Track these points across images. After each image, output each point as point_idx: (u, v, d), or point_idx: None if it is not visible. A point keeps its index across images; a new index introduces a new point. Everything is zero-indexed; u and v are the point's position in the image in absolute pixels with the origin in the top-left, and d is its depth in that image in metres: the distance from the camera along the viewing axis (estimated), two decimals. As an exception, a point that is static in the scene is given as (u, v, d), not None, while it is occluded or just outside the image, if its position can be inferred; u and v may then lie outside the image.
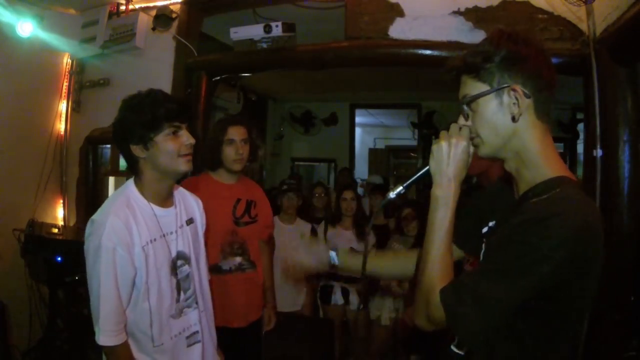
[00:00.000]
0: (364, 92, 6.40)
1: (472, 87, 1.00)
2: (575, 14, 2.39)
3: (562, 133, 6.03)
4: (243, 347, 2.27)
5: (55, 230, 3.35)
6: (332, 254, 1.36)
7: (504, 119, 0.97)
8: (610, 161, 2.20)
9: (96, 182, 3.64)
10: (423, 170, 1.06)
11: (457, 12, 2.60)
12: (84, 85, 3.60)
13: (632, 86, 2.17)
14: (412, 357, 3.47)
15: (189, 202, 1.68)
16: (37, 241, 3.09)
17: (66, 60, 3.62)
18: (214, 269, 2.18)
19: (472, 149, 1.02)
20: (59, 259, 2.89)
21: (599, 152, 2.22)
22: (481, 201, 1.14)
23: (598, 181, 2.22)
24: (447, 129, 1.03)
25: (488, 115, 0.98)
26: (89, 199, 3.56)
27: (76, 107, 3.62)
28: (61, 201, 3.61)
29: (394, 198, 1.09)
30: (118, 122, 1.45)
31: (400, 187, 1.09)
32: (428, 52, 2.59)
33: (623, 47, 2.13)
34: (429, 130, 6.58)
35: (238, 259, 2.26)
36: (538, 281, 0.85)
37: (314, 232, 3.45)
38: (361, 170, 7.88)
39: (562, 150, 6.42)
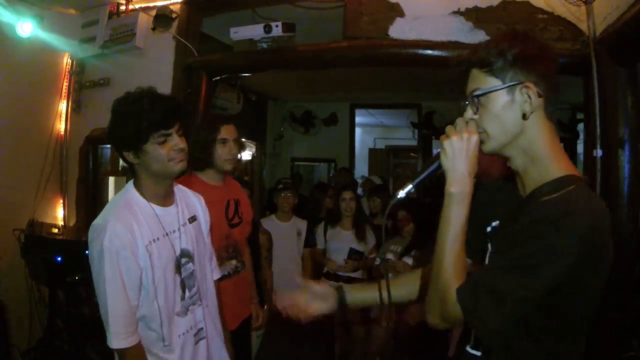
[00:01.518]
0: (364, 92, 6.39)
1: (484, 81, 0.98)
2: (575, 14, 2.39)
3: (562, 133, 6.03)
4: (237, 348, 2.27)
5: (55, 230, 3.36)
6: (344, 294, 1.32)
7: (513, 115, 0.96)
8: (610, 161, 2.20)
9: (96, 182, 3.64)
10: (433, 167, 1.02)
11: (457, 12, 2.60)
12: (84, 85, 3.60)
13: (632, 86, 2.17)
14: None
15: (190, 200, 1.68)
16: (37, 241, 3.10)
17: (66, 60, 3.62)
18: None
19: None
20: (59, 259, 2.89)
21: (599, 152, 2.22)
22: (481, 201, 1.11)
23: (598, 181, 2.22)
24: (453, 124, 1.01)
25: (498, 110, 0.97)
26: (89, 199, 3.56)
27: (76, 107, 3.62)
28: (61, 201, 3.61)
29: (404, 197, 1.05)
30: (110, 128, 1.46)
31: (410, 186, 1.05)
32: (428, 52, 2.59)
33: (623, 47, 2.13)
34: (429, 130, 6.58)
35: (233, 262, 2.22)
36: (553, 279, 0.86)
37: (309, 229, 3.46)
38: (361, 170, 7.88)
39: (562, 150, 6.42)
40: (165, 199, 1.54)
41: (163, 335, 1.45)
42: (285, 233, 3.40)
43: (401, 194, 1.05)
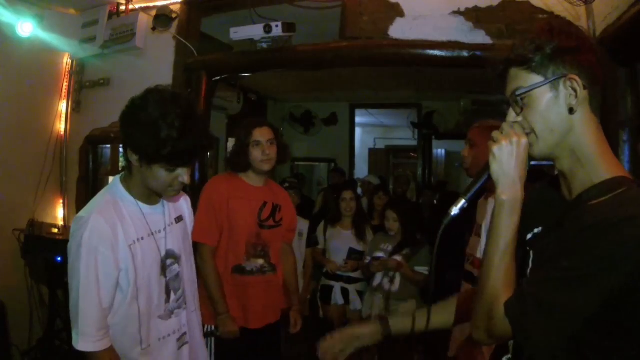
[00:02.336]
0: (364, 92, 6.40)
1: (525, 79, 0.93)
2: (575, 14, 2.39)
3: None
4: (261, 349, 2.29)
5: (55, 230, 3.35)
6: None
7: (560, 112, 0.91)
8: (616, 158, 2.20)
9: (96, 182, 3.64)
10: (484, 177, 0.97)
11: (457, 12, 2.59)
12: (84, 85, 3.60)
13: (632, 86, 2.17)
14: (415, 357, 3.48)
15: (177, 199, 1.64)
16: (37, 241, 3.10)
17: (66, 60, 3.61)
18: (237, 270, 2.22)
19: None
20: (59, 259, 2.89)
21: (599, 152, 2.22)
22: (531, 211, 1.03)
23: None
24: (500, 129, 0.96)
25: (543, 108, 0.92)
26: (89, 199, 3.53)
27: (76, 107, 3.61)
28: (61, 201, 3.61)
29: (456, 215, 0.99)
30: (124, 124, 1.36)
31: (463, 201, 0.98)
32: (428, 52, 2.59)
33: (623, 47, 2.13)
34: (429, 130, 6.58)
35: (260, 261, 2.26)
36: (608, 290, 0.80)
37: (311, 229, 3.46)
38: (361, 170, 7.88)
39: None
40: (152, 197, 1.50)
41: (141, 338, 1.39)
42: None
43: (455, 210, 0.98)
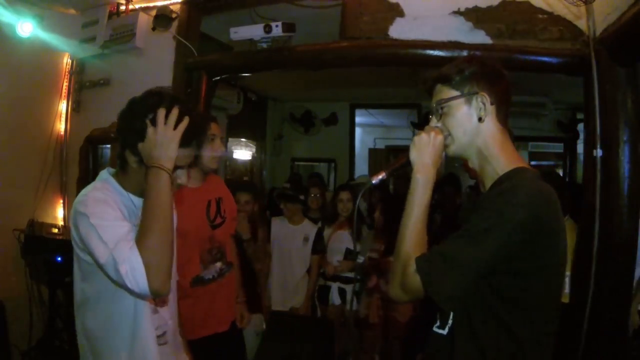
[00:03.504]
0: (364, 92, 6.39)
1: (446, 93, 1.17)
2: (575, 14, 2.39)
3: (562, 133, 6.02)
4: (230, 351, 2.23)
5: (55, 230, 3.36)
6: None
7: (471, 119, 1.15)
8: (610, 161, 2.19)
9: (96, 182, 3.64)
10: (405, 160, 1.19)
11: (457, 12, 2.59)
12: (84, 85, 3.60)
13: (632, 86, 2.17)
14: (417, 356, 3.47)
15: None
16: (37, 241, 3.10)
17: (66, 60, 3.62)
18: (197, 281, 2.09)
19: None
20: (59, 259, 2.89)
21: (599, 152, 2.22)
22: (461, 217, 1.28)
23: (598, 181, 2.21)
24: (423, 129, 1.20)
25: (458, 116, 1.16)
26: (89, 199, 3.55)
27: (76, 107, 3.62)
28: (61, 201, 3.61)
29: (376, 184, 1.21)
30: (120, 121, 1.39)
31: (383, 174, 1.21)
32: (428, 52, 2.59)
33: (623, 47, 2.13)
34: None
35: (218, 265, 2.16)
36: (503, 242, 0.98)
37: (319, 235, 3.43)
38: (361, 170, 7.87)
39: (562, 151, 6.41)
40: (143, 191, 1.47)
41: (134, 332, 1.36)
42: (291, 236, 3.39)
43: (374, 180, 1.21)
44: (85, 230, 1.25)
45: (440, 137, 1.16)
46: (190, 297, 2.05)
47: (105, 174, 1.45)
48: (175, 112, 1.29)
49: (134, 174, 1.40)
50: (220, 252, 2.18)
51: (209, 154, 2.08)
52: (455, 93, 1.16)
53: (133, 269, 1.15)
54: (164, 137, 1.27)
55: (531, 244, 0.99)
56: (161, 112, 1.28)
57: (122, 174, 1.44)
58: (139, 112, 1.33)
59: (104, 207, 1.28)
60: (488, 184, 1.15)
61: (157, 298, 1.26)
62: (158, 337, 1.45)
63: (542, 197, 1.01)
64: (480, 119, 1.13)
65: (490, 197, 1.05)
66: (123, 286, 1.18)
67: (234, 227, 2.40)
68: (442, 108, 1.18)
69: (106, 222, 1.24)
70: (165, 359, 1.46)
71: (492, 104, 1.14)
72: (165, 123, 1.28)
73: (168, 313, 1.52)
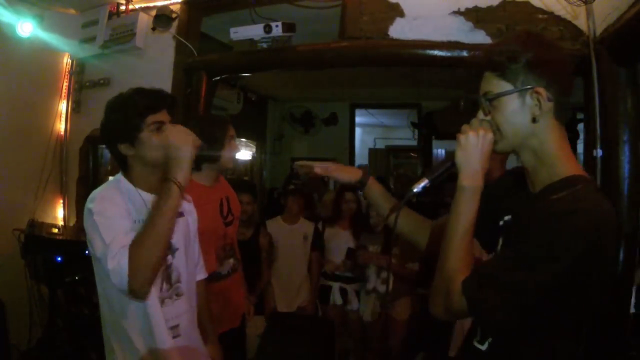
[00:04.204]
0: (364, 92, 6.39)
1: (496, 84, 1.01)
2: (575, 14, 2.39)
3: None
4: (237, 348, 2.30)
5: (55, 230, 3.35)
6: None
7: (524, 118, 0.99)
8: (610, 161, 2.19)
9: (96, 182, 3.64)
10: (449, 163, 1.06)
11: (457, 12, 2.59)
12: (84, 85, 3.59)
13: (632, 86, 2.17)
14: (417, 357, 3.48)
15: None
16: (37, 241, 3.09)
17: (66, 60, 3.61)
18: (215, 277, 2.14)
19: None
20: (59, 259, 2.89)
21: (599, 152, 2.22)
22: (494, 195, 1.14)
23: (598, 181, 2.21)
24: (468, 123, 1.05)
25: (509, 113, 1.00)
26: (89, 199, 3.55)
27: (76, 107, 3.61)
28: (61, 201, 3.61)
29: (419, 192, 1.07)
30: (103, 124, 1.50)
31: (426, 180, 1.07)
32: (428, 52, 2.59)
33: (623, 47, 2.13)
34: (429, 130, 6.58)
35: (231, 261, 2.24)
36: (561, 271, 0.87)
37: (317, 232, 3.45)
38: (361, 170, 7.87)
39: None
40: (154, 184, 1.52)
41: (148, 323, 1.42)
42: (290, 236, 3.39)
43: (417, 188, 1.07)
44: (88, 225, 1.34)
45: (490, 136, 1.01)
46: (209, 295, 2.07)
47: (118, 175, 1.53)
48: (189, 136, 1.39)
49: (138, 168, 1.49)
50: (232, 249, 2.26)
51: (228, 154, 2.16)
52: (505, 86, 1.00)
53: (119, 266, 1.21)
54: (182, 155, 1.34)
55: (589, 275, 0.90)
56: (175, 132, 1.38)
57: (128, 173, 1.51)
58: (133, 111, 1.44)
59: (107, 204, 1.36)
60: (538, 187, 1.02)
61: (135, 298, 1.31)
62: (171, 328, 1.50)
63: (605, 223, 0.89)
64: (534, 119, 0.98)
65: (548, 218, 0.89)
66: (112, 280, 1.24)
67: (237, 225, 2.44)
68: (490, 101, 1.02)
69: (106, 220, 1.31)
70: (180, 351, 1.51)
71: (549, 100, 0.97)
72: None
73: (183, 307, 1.55)
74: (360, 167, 1.56)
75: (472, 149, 1.00)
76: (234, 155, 2.23)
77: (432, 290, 1.01)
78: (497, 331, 0.98)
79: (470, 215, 0.99)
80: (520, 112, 0.99)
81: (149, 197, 1.49)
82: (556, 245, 0.87)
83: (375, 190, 1.42)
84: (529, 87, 0.98)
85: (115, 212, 1.35)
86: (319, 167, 1.41)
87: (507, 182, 1.17)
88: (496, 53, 1.01)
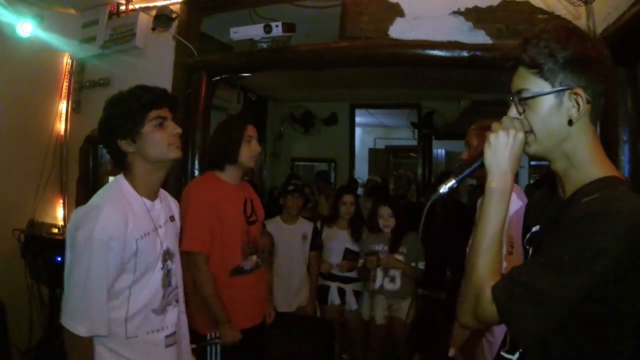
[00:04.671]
0: (364, 92, 6.40)
1: (532, 82, 0.95)
2: (575, 14, 2.39)
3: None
4: (258, 344, 2.32)
5: (55, 230, 3.35)
6: None
7: (560, 120, 0.93)
8: (610, 161, 2.19)
9: (96, 182, 3.64)
10: (477, 163, 1.00)
11: (457, 12, 2.59)
12: (84, 85, 3.59)
13: (632, 86, 2.17)
14: (414, 357, 3.48)
15: (168, 199, 1.66)
16: (37, 241, 3.10)
17: (66, 60, 3.61)
18: (237, 271, 2.19)
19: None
20: (59, 259, 2.88)
21: (599, 152, 2.22)
22: (532, 207, 1.11)
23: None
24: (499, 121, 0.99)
25: (544, 114, 0.94)
26: (88, 199, 3.54)
27: (76, 107, 3.61)
28: (61, 201, 3.61)
29: (446, 193, 1.02)
30: (103, 120, 1.46)
31: (453, 181, 1.02)
32: (428, 52, 2.59)
33: (623, 47, 2.13)
34: (429, 130, 6.58)
35: (254, 258, 2.28)
36: (595, 276, 0.83)
37: (315, 232, 3.45)
38: (361, 170, 7.88)
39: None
40: (155, 193, 1.53)
41: (127, 328, 1.39)
42: (290, 236, 3.39)
43: (443, 189, 1.02)
44: (70, 248, 1.34)
45: (521, 136, 0.95)
46: (232, 288, 2.15)
47: (119, 179, 1.49)
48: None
49: (139, 166, 1.46)
50: (255, 247, 2.30)
51: (247, 154, 2.23)
52: (542, 85, 0.93)
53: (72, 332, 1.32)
54: None
55: (625, 280, 0.85)
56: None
57: (128, 173, 1.48)
58: (136, 105, 1.42)
59: (103, 256, 1.32)
60: (570, 190, 0.96)
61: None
62: (167, 337, 1.49)
63: None
64: (570, 122, 0.92)
65: (580, 220, 0.85)
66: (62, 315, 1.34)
67: (260, 228, 2.49)
68: (525, 99, 0.95)
69: (86, 274, 1.31)
70: (170, 358, 1.51)
71: (588, 102, 0.92)
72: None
73: (175, 316, 1.54)
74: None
75: (502, 149, 0.95)
76: (254, 155, 2.27)
77: (460, 297, 0.97)
78: (531, 339, 0.93)
79: (500, 219, 0.94)
80: (557, 113, 0.93)
81: (150, 206, 1.48)
82: (587, 249, 0.82)
83: None
84: (567, 87, 0.92)
85: (111, 263, 1.33)
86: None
87: (538, 195, 1.13)
88: (534, 48, 0.93)
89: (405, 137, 7.74)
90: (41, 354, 3.09)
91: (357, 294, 3.37)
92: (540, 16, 2.47)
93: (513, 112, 0.98)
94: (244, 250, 2.22)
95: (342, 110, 7.00)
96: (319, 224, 3.54)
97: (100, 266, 1.31)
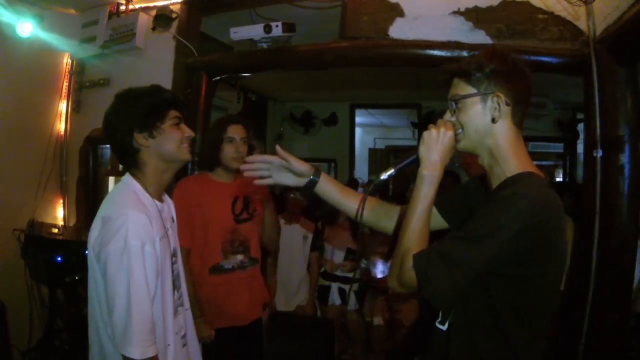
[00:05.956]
0: (364, 92, 6.39)
1: (462, 89, 1.15)
2: (575, 14, 2.39)
3: (562, 133, 6.02)
4: (246, 347, 2.27)
5: (55, 230, 3.35)
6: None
7: (484, 119, 1.13)
8: (610, 161, 2.19)
9: (96, 182, 3.64)
10: (413, 155, 1.18)
11: (457, 12, 2.59)
12: (84, 85, 3.60)
13: (632, 86, 2.17)
14: (414, 358, 3.47)
15: (169, 202, 1.66)
16: (37, 241, 3.09)
17: (66, 60, 3.61)
18: (216, 269, 2.18)
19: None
20: (59, 259, 2.88)
21: (599, 152, 2.22)
22: (464, 192, 1.33)
23: (598, 181, 2.21)
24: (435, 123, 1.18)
25: (472, 113, 1.14)
26: (89, 199, 3.56)
27: (76, 107, 3.62)
28: (61, 201, 3.61)
29: (385, 179, 1.21)
30: (116, 113, 1.42)
31: (392, 170, 1.21)
32: (428, 52, 2.59)
33: (623, 47, 2.13)
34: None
35: (239, 257, 2.24)
36: (499, 247, 0.99)
37: (316, 232, 3.45)
38: (361, 170, 7.87)
39: (562, 150, 6.41)
40: (162, 194, 1.53)
41: (165, 337, 1.39)
42: (290, 236, 3.39)
43: (383, 176, 1.22)
44: (114, 279, 1.26)
45: (450, 133, 1.14)
46: (208, 286, 2.15)
47: (128, 180, 1.44)
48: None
49: (152, 162, 1.44)
50: (243, 246, 2.26)
51: (229, 155, 2.22)
52: (471, 90, 1.14)
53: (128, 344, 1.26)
54: None
55: (528, 252, 1.00)
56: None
57: (137, 170, 1.45)
58: (161, 100, 1.45)
59: (141, 264, 1.27)
60: (495, 184, 1.14)
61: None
62: (182, 337, 1.51)
63: (543, 205, 1.00)
64: (493, 120, 1.12)
65: (494, 201, 1.04)
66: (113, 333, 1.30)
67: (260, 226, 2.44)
68: (456, 103, 1.16)
69: (139, 298, 1.26)
70: (185, 358, 1.52)
71: (507, 104, 1.12)
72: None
73: (184, 317, 1.55)
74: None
75: (432, 143, 1.13)
76: (237, 156, 2.21)
77: (390, 264, 1.12)
78: (443, 301, 1.07)
79: (428, 200, 1.11)
80: (482, 113, 1.13)
81: (160, 207, 1.47)
82: (496, 222, 0.98)
83: (330, 185, 1.40)
84: (490, 92, 1.11)
85: (149, 268, 1.28)
86: (280, 150, 1.38)
87: (474, 185, 1.31)
88: (465, 63, 1.16)
89: (405, 137, 7.73)
90: (41, 354, 3.09)
91: (358, 295, 3.37)
92: (540, 16, 2.47)
93: (448, 115, 1.19)
94: (225, 248, 2.20)
95: (342, 110, 6.99)
96: (320, 224, 3.54)
97: (141, 275, 1.25)
